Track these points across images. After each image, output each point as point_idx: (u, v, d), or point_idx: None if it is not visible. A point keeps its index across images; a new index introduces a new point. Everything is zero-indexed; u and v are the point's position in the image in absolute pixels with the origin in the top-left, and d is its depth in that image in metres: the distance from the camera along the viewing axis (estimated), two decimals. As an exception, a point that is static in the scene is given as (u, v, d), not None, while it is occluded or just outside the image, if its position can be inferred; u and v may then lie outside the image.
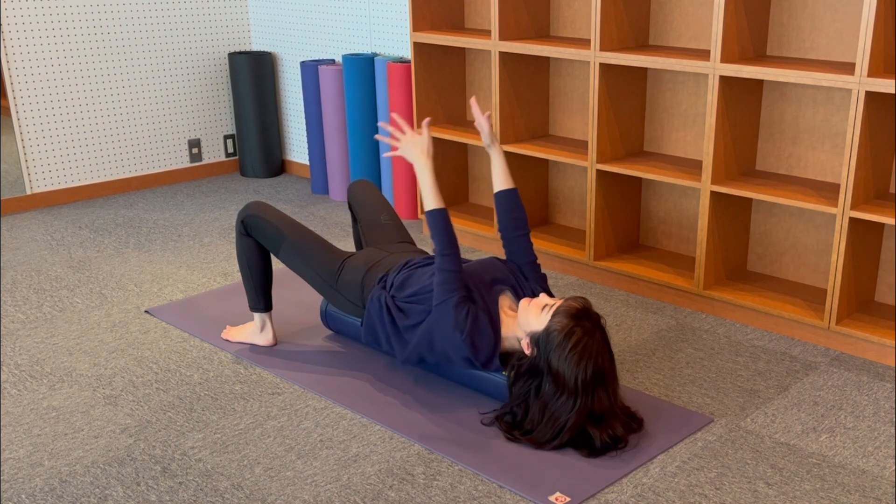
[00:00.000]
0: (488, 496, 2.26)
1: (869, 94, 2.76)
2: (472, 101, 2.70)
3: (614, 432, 2.40)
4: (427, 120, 2.64)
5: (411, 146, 2.61)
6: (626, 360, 2.97)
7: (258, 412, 2.68)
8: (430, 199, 2.54)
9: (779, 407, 2.67)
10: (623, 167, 3.42)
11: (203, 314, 3.37)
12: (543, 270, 3.80)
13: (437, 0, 4.04)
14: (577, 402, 2.34)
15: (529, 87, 3.85)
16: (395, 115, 2.68)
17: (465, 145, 4.35)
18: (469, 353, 2.50)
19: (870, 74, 2.72)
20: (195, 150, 5.35)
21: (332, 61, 4.88)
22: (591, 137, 3.46)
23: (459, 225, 4.08)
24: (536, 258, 2.74)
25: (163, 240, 4.27)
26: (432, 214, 2.53)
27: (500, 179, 2.72)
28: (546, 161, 4.03)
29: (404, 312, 2.62)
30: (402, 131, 2.63)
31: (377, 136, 2.70)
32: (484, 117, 2.70)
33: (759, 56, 3.20)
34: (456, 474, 2.35)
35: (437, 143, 4.21)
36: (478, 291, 2.56)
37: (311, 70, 4.78)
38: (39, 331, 3.27)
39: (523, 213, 2.72)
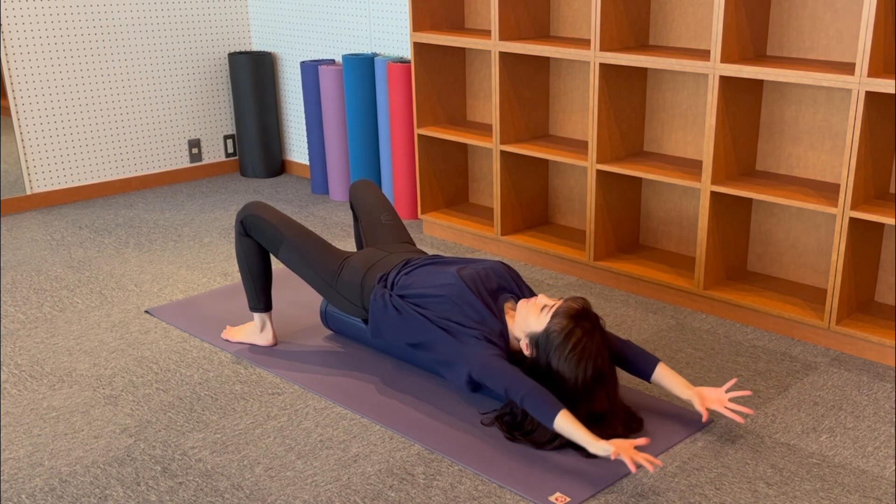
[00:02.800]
0: (488, 496, 2.26)
1: (869, 94, 2.76)
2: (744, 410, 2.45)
3: (614, 433, 2.40)
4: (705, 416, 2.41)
5: (623, 450, 2.21)
6: (626, 360, 2.97)
7: (258, 412, 2.68)
8: (560, 430, 2.29)
9: (779, 407, 2.67)
10: (623, 167, 3.42)
11: (203, 314, 3.37)
12: (544, 270, 3.80)
13: (437, 0, 4.04)
14: (577, 402, 2.34)
15: (529, 87, 3.85)
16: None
17: (465, 145, 4.35)
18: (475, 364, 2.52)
19: (870, 74, 2.72)
20: (195, 150, 5.35)
21: (332, 61, 4.88)
22: (591, 137, 3.46)
23: (459, 225, 4.08)
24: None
25: (163, 240, 4.27)
26: (545, 422, 2.31)
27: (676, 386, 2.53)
28: (546, 161, 4.03)
29: (407, 312, 2.62)
30: (643, 459, 2.22)
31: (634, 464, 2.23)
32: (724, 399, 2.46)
33: (759, 56, 3.20)
34: (456, 474, 2.35)
35: (437, 143, 4.21)
36: (487, 299, 2.56)
37: (311, 70, 4.78)
38: (39, 331, 3.27)
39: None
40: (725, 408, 2.44)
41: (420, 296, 2.61)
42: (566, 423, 2.27)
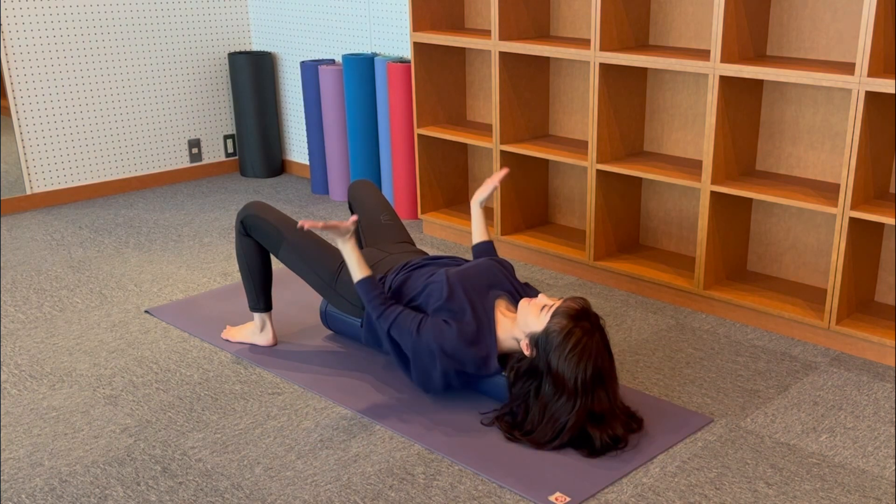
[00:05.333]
0: (488, 496, 2.26)
1: (869, 94, 2.76)
2: (503, 172, 2.85)
3: (614, 432, 2.40)
4: (353, 219, 2.61)
5: (333, 235, 2.61)
6: (626, 360, 2.97)
7: (258, 412, 2.68)
8: (355, 272, 2.61)
9: (779, 407, 2.67)
10: (623, 167, 3.42)
11: (203, 314, 3.37)
12: (544, 270, 3.80)
13: (437, 0, 4.05)
14: (577, 402, 2.34)
15: (529, 87, 3.85)
16: (311, 222, 2.58)
17: (465, 145, 4.35)
18: (471, 369, 2.54)
19: (870, 74, 2.72)
20: (195, 150, 5.35)
21: (332, 61, 4.88)
22: (591, 137, 3.46)
23: (459, 225, 4.08)
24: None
25: (163, 240, 4.27)
26: (359, 285, 2.60)
27: (483, 233, 2.93)
28: (546, 161, 4.03)
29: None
30: (322, 226, 2.57)
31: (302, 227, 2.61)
32: (491, 184, 2.85)
33: (759, 56, 3.20)
34: (456, 474, 2.35)
35: (437, 143, 4.21)
36: (473, 297, 2.56)
37: (311, 70, 4.78)
38: (39, 331, 3.27)
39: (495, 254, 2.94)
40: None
41: (412, 299, 2.61)
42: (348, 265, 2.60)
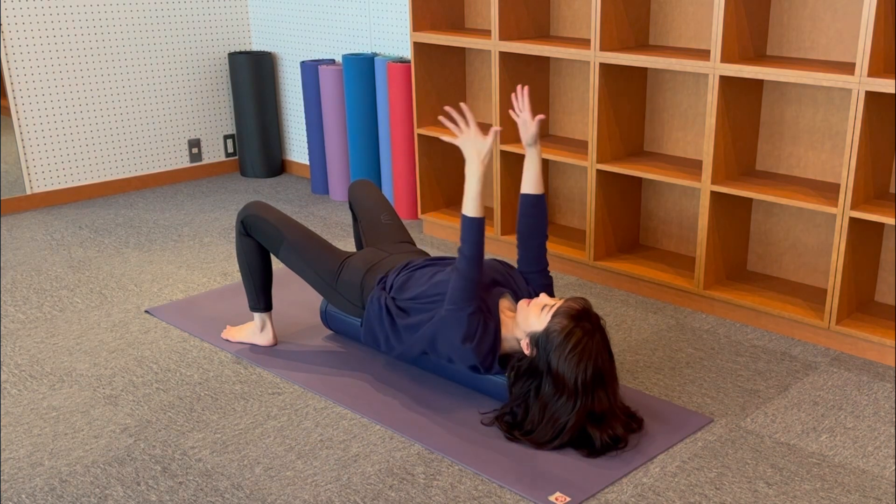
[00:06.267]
0: (488, 496, 2.26)
1: (869, 94, 2.76)
2: (525, 91, 2.64)
3: (614, 432, 2.40)
4: (496, 129, 2.53)
5: (471, 144, 2.47)
6: (626, 360, 2.97)
7: (258, 412, 2.68)
8: (473, 205, 2.43)
9: (779, 407, 2.67)
10: (623, 167, 3.42)
11: (203, 314, 3.37)
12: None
13: (436, 0, 4.05)
14: (577, 402, 2.34)
15: (529, 87, 3.85)
16: (464, 107, 2.52)
17: (465, 145, 4.35)
18: (476, 362, 2.51)
19: (870, 74, 2.72)
20: (195, 150, 5.35)
21: (332, 61, 4.88)
22: (591, 137, 3.46)
23: (459, 225, 4.08)
24: (548, 264, 2.73)
25: (163, 240, 4.27)
26: (471, 222, 2.43)
27: (532, 183, 2.64)
28: (546, 161, 4.03)
29: (406, 312, 2.62)
30: (468, 125, 2.49)
31: (440, 117, 2.57)
32: (535, 119, 2.60)
33: (759, 56, 3.20)
34: (456, 474, 2.35)
35: (436, 142, 4.21)
36: (481, 294, 2.56)
37: (311, 70, 4.78)
38: (39, 331, 3.27)
39: (546, 220, 2.68)
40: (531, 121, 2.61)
41: (415, 297, 2.61)
42: (464, 198, 2.43)
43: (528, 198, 2.65)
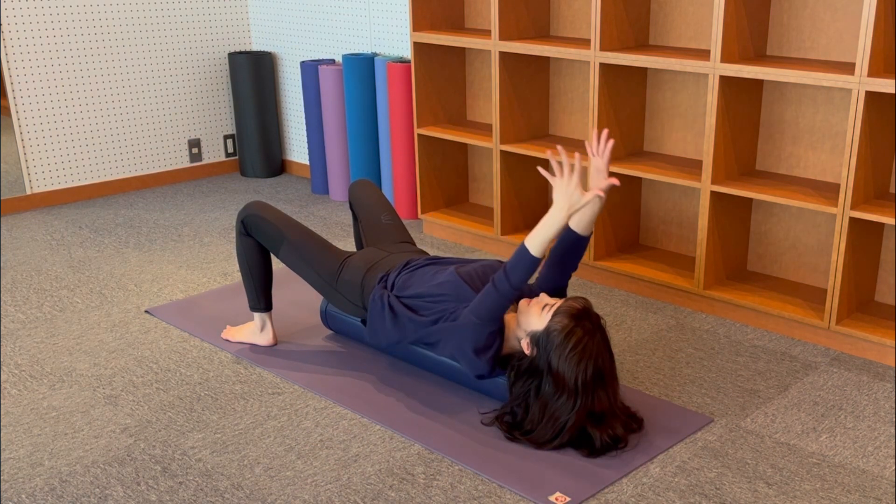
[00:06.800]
0: (488, 496, 2.26)
1: (869, 94, 2.76)
2: (609, 144, 2.56)
3: (614, 432, 2.40)
4: (604, 190, 2.44)
5: (566, 195, 2.37)
6: (626, 360, 2.97)
7: (258, 412, 2.68)
8: (540, 247, 2.37)
9: (779, 407, 2.67)
10: (623, 167, 3.42)
11: (203, 314, 3.37)
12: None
13: (436, 0, 4.05)
14: (577, 402, 2.34)
15: (529, 87, 3.85)
16: (577, 157, 2.39)
17: (465, 145, 4.35)
18: (483, 371, 2.53)
19: (870, 74, 2.72)
20: (195, 150, 5.35)
21: (332, 61, 4.88)
22: (591, 137, 3.46)
23: (459, 225, 4.08)
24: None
25: (163, 240, 4.27)
26: (532, 259, 2.37)
27: (585, 224, 2.57)
28: (546, 161, 4.03)
29: (410, 309, 2.62)
30: (571, 175, 2.38)
31: (548, 152, 2.49)
32: (609, 181, 2.47)
33: (759, 56, 3.20)
34: (456, 474, 2.35)
35: (436, 143, 4.21)
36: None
37: (311, 70, 4.78)
38: (39, 331, 3.27)
39: (581, 258, 2.67)
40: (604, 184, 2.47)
41: (418, 295, 2.61)
42: (534, 235, 2.37)
43: (576, 236, 2.60)
